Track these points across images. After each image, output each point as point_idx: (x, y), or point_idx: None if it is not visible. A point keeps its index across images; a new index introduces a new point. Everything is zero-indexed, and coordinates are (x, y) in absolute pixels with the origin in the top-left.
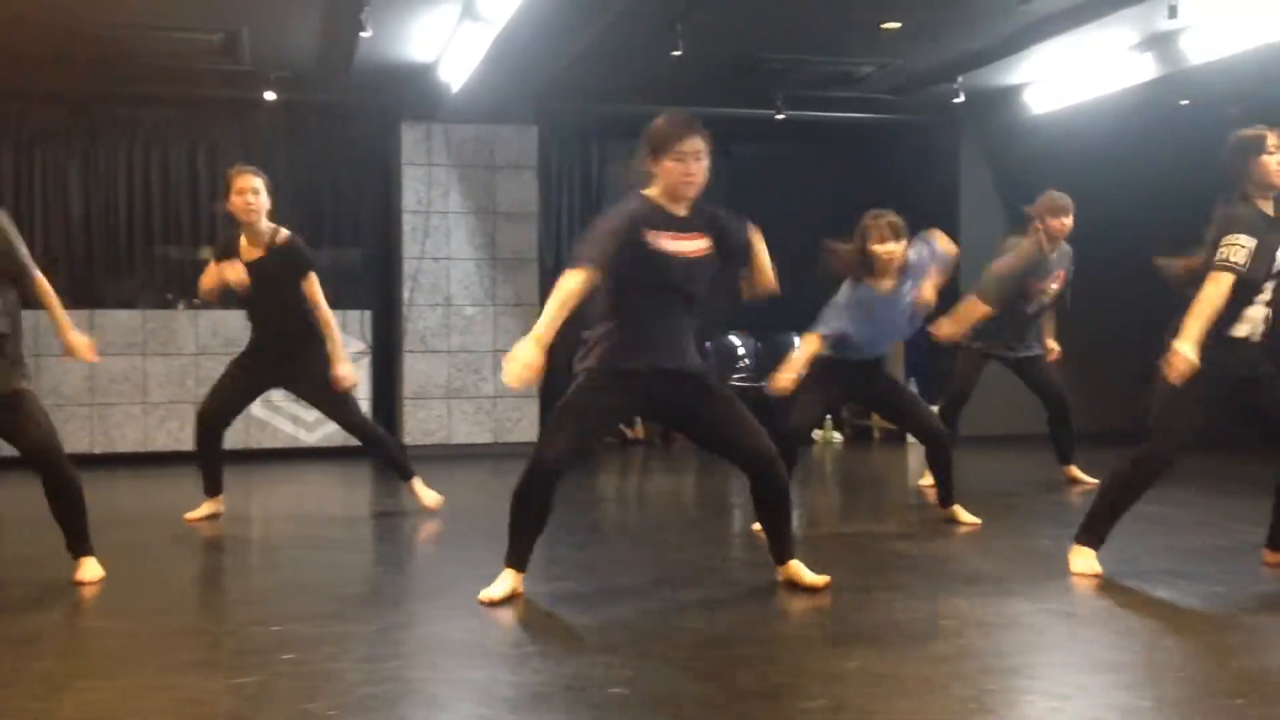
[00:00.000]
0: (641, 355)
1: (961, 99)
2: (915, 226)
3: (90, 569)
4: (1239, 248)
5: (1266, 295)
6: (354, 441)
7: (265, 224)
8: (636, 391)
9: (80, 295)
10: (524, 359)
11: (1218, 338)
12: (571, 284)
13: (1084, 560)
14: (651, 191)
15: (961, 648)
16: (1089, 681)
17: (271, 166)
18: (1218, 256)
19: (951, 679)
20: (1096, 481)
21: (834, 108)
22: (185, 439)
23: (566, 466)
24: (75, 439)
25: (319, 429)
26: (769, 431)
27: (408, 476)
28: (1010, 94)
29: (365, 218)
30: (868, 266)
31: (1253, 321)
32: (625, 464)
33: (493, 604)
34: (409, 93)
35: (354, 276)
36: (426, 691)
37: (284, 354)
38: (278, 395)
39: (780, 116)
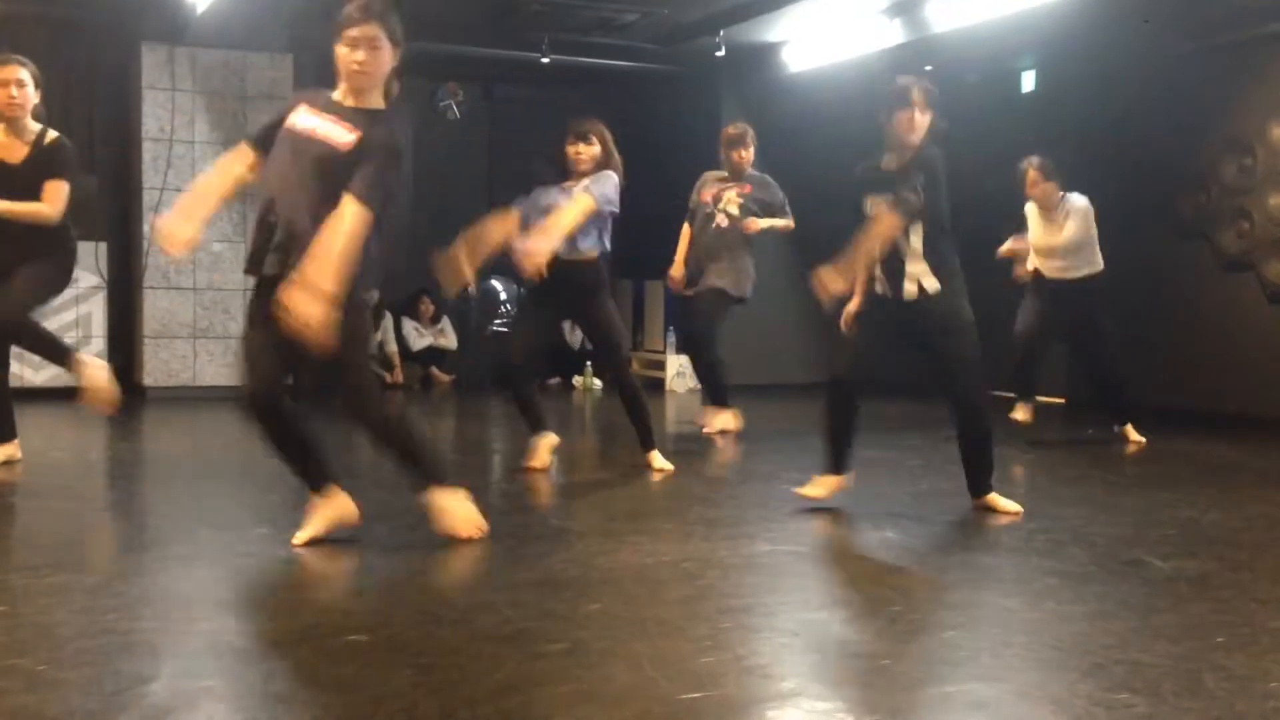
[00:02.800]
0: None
1: (722, 53)
2: (678, 177)
3: None
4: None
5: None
6: None
7: (32, 122)
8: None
9: None
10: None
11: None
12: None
13: (815, 486)
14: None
15: (701, 589)
16: (817, 618)
17: None
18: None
19: (688, 619)
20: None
21: (599, 54)
22: None
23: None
24: None
25: (46, 368)
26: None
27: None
28: (769, 51)
29: (101, 144)
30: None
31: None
32: None
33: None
34: (149, 11)
35: (88, 206)
36: (148, 643)
37: (13, 258)
38: None
39: (546, 60)
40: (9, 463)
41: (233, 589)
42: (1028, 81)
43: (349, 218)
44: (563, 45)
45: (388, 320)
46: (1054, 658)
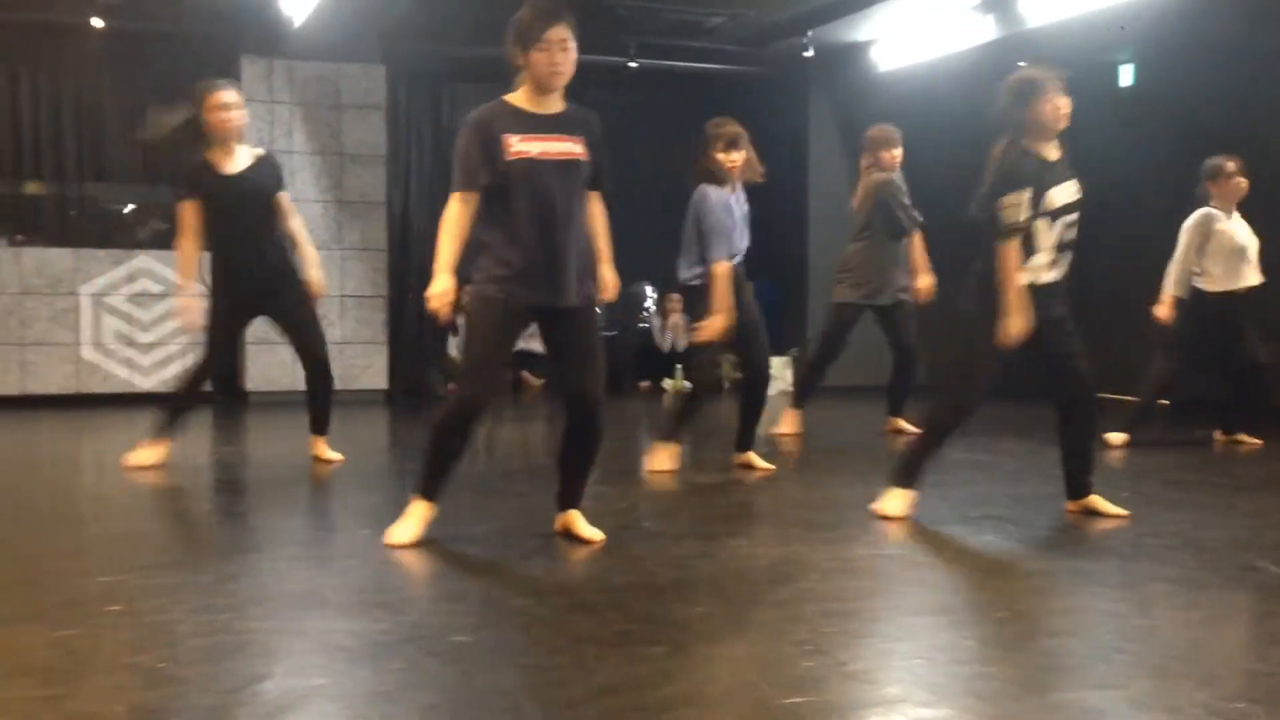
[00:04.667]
0: (523, 287)
1: (811, 54)
2: (768, 180)
3: None
4: (1016, 206)
5: (1047, 242)
6: None
7: (238, 142)
8: (519, 317)
9: None
10: (440, 290)
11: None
12: (453, 212)
13: (895, 502)
14: (514, 94)
15: (801, 592)
16: (919, 623)
17: (99, 98)
18: (1002, 221)
19: (789, 623)
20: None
21: (686, 58)
22: (10, 383)
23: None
24: None
25: (154, 373)
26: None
27: (321, 431)
28: (858, 50)
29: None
30: (713, 174)
31: (1033, 270)
32: None
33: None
34: (249, 25)
35: None
36: (260, 643)
37: (266, 274)
38: (110, 338)
39: (633, 65)
40: (157, 466)
41: (338, 590)
42: (1126, 76)
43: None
44: (650, 49)
45: None
46: (1167, 665)
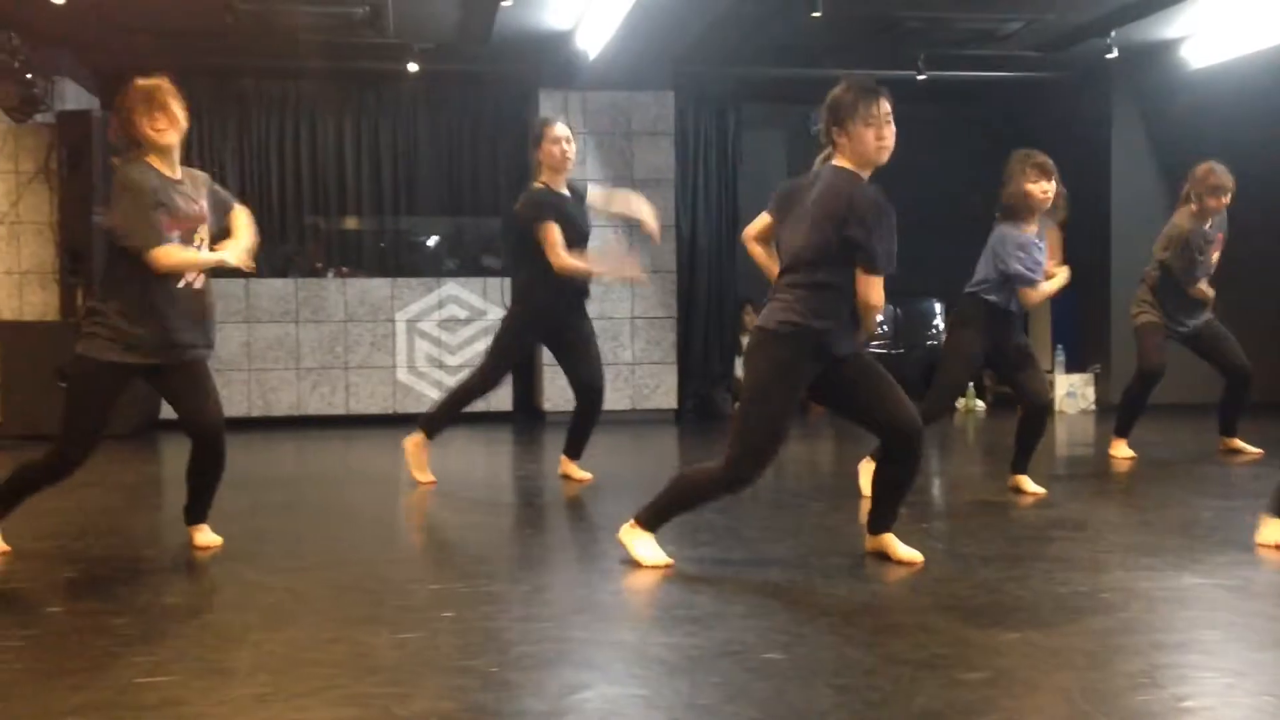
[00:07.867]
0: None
1: (1114, 55)
2: (1068, 190)
3: (209, 535)
4: None
5: None
6: (496, 406)
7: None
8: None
9: None
10: None
11: None
12: None
13: (1273, 531)
14: (841, 162)
15: (1126, 621)
16: (1264, 659)
17: (414, 136)
18: None
19: (1117, 653)
20: (1259, 452)
21: (977, 67)
22: (336, 403)
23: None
24: (234, 403)
25: None
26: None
27: (576, 455)
28: (1166, 48)
29: (505, 186)
30: (1022, 208)
31: None
32: None
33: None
34: (547, 61)
35: (494, 244)
36: (582, 652)
37: (572, 298)
38: (422, 361)
39: (921, 77)
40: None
41: (648, 604)
42: None
43: None
44: (938, 60)
45: None
46: None
